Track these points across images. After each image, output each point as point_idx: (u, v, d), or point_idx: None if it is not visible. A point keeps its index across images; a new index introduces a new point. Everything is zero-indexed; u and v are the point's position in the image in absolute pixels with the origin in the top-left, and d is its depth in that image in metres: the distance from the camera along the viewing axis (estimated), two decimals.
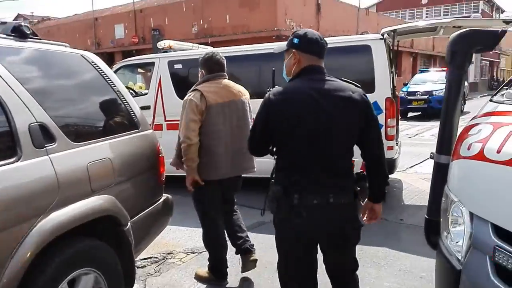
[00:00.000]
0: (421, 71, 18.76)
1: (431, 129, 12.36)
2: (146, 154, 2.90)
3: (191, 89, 3.09)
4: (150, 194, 2.97)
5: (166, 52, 6.16)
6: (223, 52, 5.72)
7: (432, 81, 16.25)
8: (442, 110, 2.02)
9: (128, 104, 2.87)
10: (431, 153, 2.08)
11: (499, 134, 1.57)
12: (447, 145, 1.99)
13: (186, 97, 3.01)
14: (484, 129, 1.68)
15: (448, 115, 1.98)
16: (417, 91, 15.44)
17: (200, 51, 6.15)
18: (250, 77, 5.73)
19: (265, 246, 4.02)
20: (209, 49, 6.35)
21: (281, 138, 1.94)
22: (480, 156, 1.58)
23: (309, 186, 1.88)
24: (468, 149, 1.68)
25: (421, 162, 7.66)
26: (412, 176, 6.76)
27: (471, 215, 1.60)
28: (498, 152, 1.50)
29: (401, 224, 4.47)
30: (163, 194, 3.15)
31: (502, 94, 1.89)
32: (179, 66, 5.90)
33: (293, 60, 1.98)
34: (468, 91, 20.26)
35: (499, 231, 1.46)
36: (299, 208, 1.87)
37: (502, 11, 45.50)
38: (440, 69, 20.18)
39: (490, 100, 1.91)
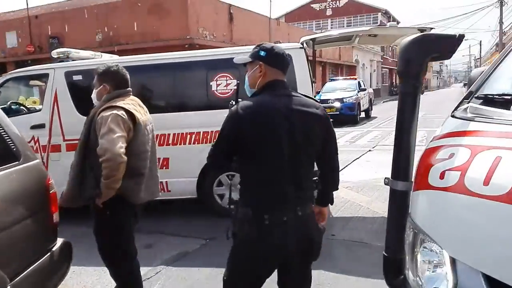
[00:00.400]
0: (331, 80, 19.55)
1: (345, 135, 12.74)
2: (30, 192, 2.28)
3: (105, 105, 2.63)
4: (39, 242, 2.35)
5: (63, 61, 5.38)
6: (130, 61, 5.25)
7: (341, 89, 16.98)
8: (396, 128, 1.73)
9: (3, 129, 2.21)
10: (385, 178, 1.77)
11: (481, 160, 1.29)
12: (404, 169, 1.68)
13: (103, 114, 2.58)
14: (458, 153, 1.39)
15: (404, 135, 1.68)
16: (329, 99, 15.95)
17: (104, 60, 5.50)
18: (163, 88, 5.25)
19: (191, 282, 3.53)
20: (114, 59, 5.74)
21: (250, 154, 1.91)
22: (461, 188, 1.29)
23: (278, 203, 1.89)
24: (441, 178, 1.38)
25: (341, 170, 7.65)
26: None
27: (453, 260, 1.29)
28: (486, 184, 1.21)
29: (334, 240, 4.25)
30: (58, 238, 2.56)
31: (465, 109, 1.65)
32: (79, 77, 5.16)
33: (259, 73, 1.97)
34: (373, 97, 21.55)
35: (495, 284, 1.16)
36: (270, 227, 1.86)
37: (398, 22, 49.73)
38: (348, 77, 21.42)
39: (452, 116, 1.66)
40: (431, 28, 4.98)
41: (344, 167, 7.88)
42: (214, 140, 2.03)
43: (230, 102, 2.03)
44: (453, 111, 1.71)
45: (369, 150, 9.87)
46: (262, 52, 1.97)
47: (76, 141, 2.73)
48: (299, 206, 1.91)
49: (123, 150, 2.47)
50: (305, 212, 1.93)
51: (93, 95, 2.84)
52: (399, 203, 1.71)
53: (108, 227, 2.67)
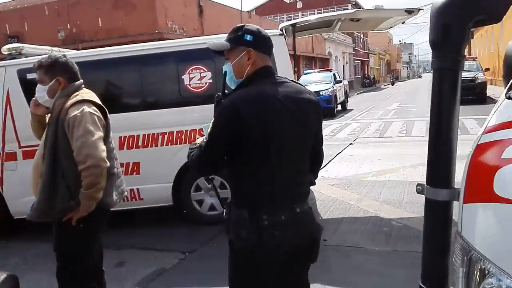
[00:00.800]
0: (306, 73, 19.31)
1: (324, 129, 12.32)
2: None
3: (70, 101, 2.33)
4: None
5: (15, 58, 4.78)
6: (91, 55, 4.70)
7: (317, 82, 16.70)
8: (431, 118, 1.32)
9: None
10: (418, 185, 1.36)
11: None
12: (446, 173, 1.28)
13: (74, 112, 2.30)
14: None
15: (442, 128, 1.28)
16: None
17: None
18: (130, 84, 4.73)
19: None
20: (72, 52, 5.15)
21: (249, 151, 1.69)
22: None
23: (276, 201, 1.72)
24: None
25: (325, 166, 7.31)
26: (320, 182, 6.30)
27: None
28: None
29: (327, 247, 3.85)
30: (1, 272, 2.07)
31: None
32: (34, 75, 4.56)
33: (247, 60, 1.75)
34: (348, 89, 21.43)
35: None
36: (270, 229, 1.68)
37: None
38: (321, 70, 21.27)
39: (509, 98, 1.26)
40: (419, 9, 4.64)
41: (328, 163, 7.54)
42: (193, 140, 1.81)
43: (217, 95, 1.80)
44: (507, 91, 1.31)
45: (350, 144, 9.59)
46: (248, 36, 1.74)
47: (34, 148, 2.44)
48: (297, 203, 1.77)
49: (105, 153, 2.24)
50: (303, 209, 1.79)
51: (42, 93, 2.45)
52: (440, 218, 1.31)
53: (79, 241, 2.32)
